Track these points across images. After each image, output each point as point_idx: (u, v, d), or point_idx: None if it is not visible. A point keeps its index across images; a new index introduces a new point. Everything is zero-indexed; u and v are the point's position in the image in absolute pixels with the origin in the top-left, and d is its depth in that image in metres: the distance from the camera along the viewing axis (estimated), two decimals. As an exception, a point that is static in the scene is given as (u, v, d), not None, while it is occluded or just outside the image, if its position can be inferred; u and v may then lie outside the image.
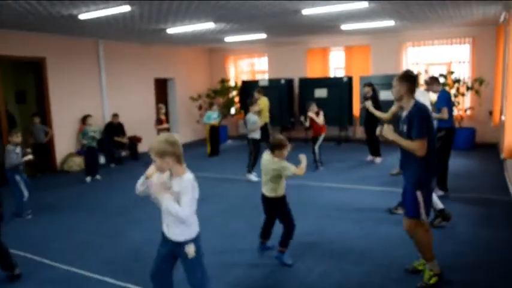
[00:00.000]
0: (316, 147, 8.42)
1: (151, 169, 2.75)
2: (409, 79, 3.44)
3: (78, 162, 9.22)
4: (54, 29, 8.28)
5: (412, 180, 3.43)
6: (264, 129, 8.73)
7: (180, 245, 2.74)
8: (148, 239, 4.80)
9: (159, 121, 9.51)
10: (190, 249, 2.73)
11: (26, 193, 5.99)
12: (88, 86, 10.04)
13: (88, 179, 8.09)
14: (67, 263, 4.31)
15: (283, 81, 12.18)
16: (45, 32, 8.65)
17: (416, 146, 3.29)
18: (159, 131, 9.07)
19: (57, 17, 6.87)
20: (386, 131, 3.53)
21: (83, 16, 6.82)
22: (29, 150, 6.15)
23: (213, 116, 10.50)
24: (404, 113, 3.48)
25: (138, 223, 5.51)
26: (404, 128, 3.42)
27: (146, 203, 6.30)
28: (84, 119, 8.56)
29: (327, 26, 9.24)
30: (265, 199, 4.16)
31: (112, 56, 10.55)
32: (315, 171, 8.19)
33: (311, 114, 8.38)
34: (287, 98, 12.21)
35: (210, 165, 9.37)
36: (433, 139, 3.40)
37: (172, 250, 2.80)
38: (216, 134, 10.66)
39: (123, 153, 10.40)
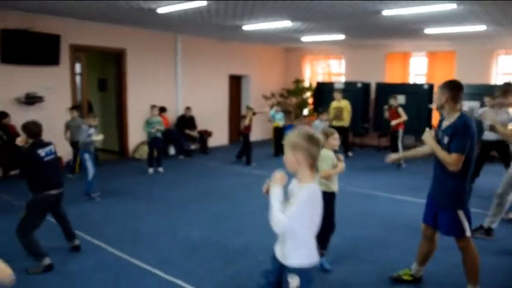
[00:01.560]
0: (399, 144, 8.78)
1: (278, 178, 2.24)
2: (451, 87, 3.17)
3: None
4: (135, 22, 8.63)
5: (451, 198, 3.20)
6: (343, 133, 8.85)
7: (284, 268, 2.28)
8: (204, 238, 4.78)
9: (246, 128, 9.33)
10: (293, 283, 2.20)
11: (91, 171, 6.28)
12: (164, 78, 10.35)
13: (150, 170, 8.24)
14: (121, 250, 4.38)
15: (359, 85, 11.70)
16: (126, 25, 9.05)
17: (453, 161, 3.05)
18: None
19: (137, 10, 7.11)
20: (427, 136, 3.31)
21: (161, 10, 6.99)
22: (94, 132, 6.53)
23: (277, 117, 10.35)
24: (446, 123, 3.20)
25: (196, 220, 5.50)
26: (445, 139, 3.14)
27: (208, 200, 6.47)
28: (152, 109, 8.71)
29: (409, 29, 8.68)
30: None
31: (189, 51, 10.79)
32: (398, 170, 8.66)
33: (394, 102, 9.09)
34: (362, 102, 11.70)
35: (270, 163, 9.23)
36: (472, 155, 3.13)
37: (279, 269, 2.34)
38: (280, 135, 10.51)
39: (193, 146, 10.61)
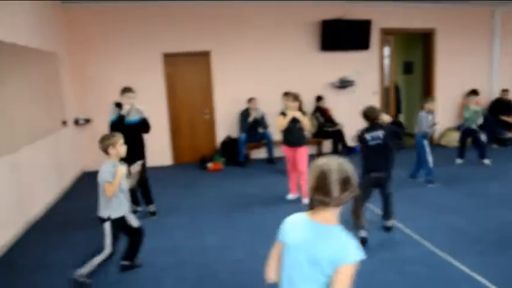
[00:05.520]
0: None
1: None
2: None
3: (455, 138, 8.78)
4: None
5: None
6: None
7: None
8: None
9: None
10: None
11: (430, 159, 6.04)
12: (476, 58, 9.23)
13: (458, 161, 7.47)
14: (435, 245, 4.08)
15: None
16: (437, 2, 8.43)
17: None
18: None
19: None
20: None
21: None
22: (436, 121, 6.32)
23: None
24: None
25: None
26: None
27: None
28: (470, 94, 7.82)
29: None
30: None
31: (508, 27, 9.24)
32: None
33: None
34: None
35: None
36: None
37: None
38: None
39: (509, 134, 9.14)
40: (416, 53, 9.67)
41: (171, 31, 7.71)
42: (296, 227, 1.69)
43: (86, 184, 6.55)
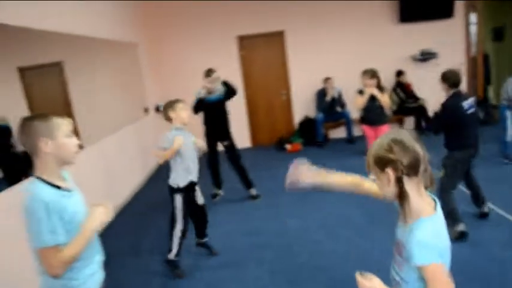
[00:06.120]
0: None
1: None
2: None
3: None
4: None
5: None
6: None
7: None
8: None
9: None
10: None
11: (510, 132, 5.54)
12: None
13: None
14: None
15: None
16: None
17: None
18: None
19: None
20: None
21: None
22: None
23: None
24: None
25: None
26: None
27: None
28: None
29: None
30: None
31: None
32: None
33: None
34: None
35: None
36: None
37: None
38: None
39: None
40: (507, 17, 8.83)
41: (245, 12, 7.72)
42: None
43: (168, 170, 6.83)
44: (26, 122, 1.76)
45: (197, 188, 3.70)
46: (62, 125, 1.79)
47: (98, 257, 1.96)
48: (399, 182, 1.42)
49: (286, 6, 7.71)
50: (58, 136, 1.76)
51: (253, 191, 5.24)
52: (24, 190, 1.71)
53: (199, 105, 4.91)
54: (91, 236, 1.81)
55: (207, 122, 5.12)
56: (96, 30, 5.30)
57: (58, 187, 1.76)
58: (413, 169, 1.41)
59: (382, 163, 1.43)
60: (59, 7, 4.32)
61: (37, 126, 1.73)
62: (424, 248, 1.38)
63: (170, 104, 3.49)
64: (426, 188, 1.48)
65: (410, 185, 1.43)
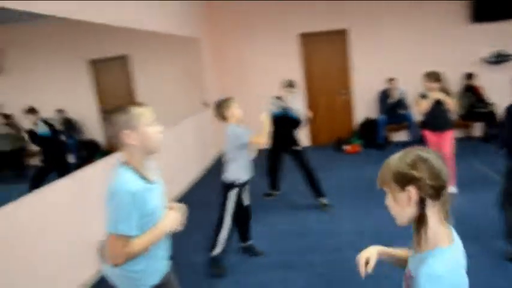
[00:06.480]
0: None
1: None
2: None
3: None
4: None
5: None
6: None
7: None
8: None
9: None
10: None
11: None
12: None
13: None
14: None
15: None
16: None
17: None
18: None
19: None
20: None
21: None
22: None
23: None
24: None
25: None
26: None
27: None
28: None
29: None
30: None
31: None
32: None
33: None
34: None
35: None
36: None
37: None
38: None
39: None
40: None
41: (307, 11, 7.59)
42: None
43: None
44: (108, 116, 1.79)
45: (247, 187, 3.66)
46: (142, 114, 1.78)
47: (162, 253, 1.96)
48: (421, 203, 1.26)
49: (349, 5, 7.51)
50: (139, 126, 1.76)
51: (324, 200, 4.99)
52: (113, 174, 1.74)
53: (282, 117, 4.89)
54: (161, 237, 1.84)
55: (278, 133, 5.00)
56: (161, 25, 5.39)
57: (144, 178, 1.78)
58: (438, 193, 1.24)
59: (403, 180, 1.26)
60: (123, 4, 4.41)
61: (117, 119, 1.74)
62: (436, 281, 1.18)
63: (224, 103, 3.43)
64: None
65: (432, 210, 1.26)
